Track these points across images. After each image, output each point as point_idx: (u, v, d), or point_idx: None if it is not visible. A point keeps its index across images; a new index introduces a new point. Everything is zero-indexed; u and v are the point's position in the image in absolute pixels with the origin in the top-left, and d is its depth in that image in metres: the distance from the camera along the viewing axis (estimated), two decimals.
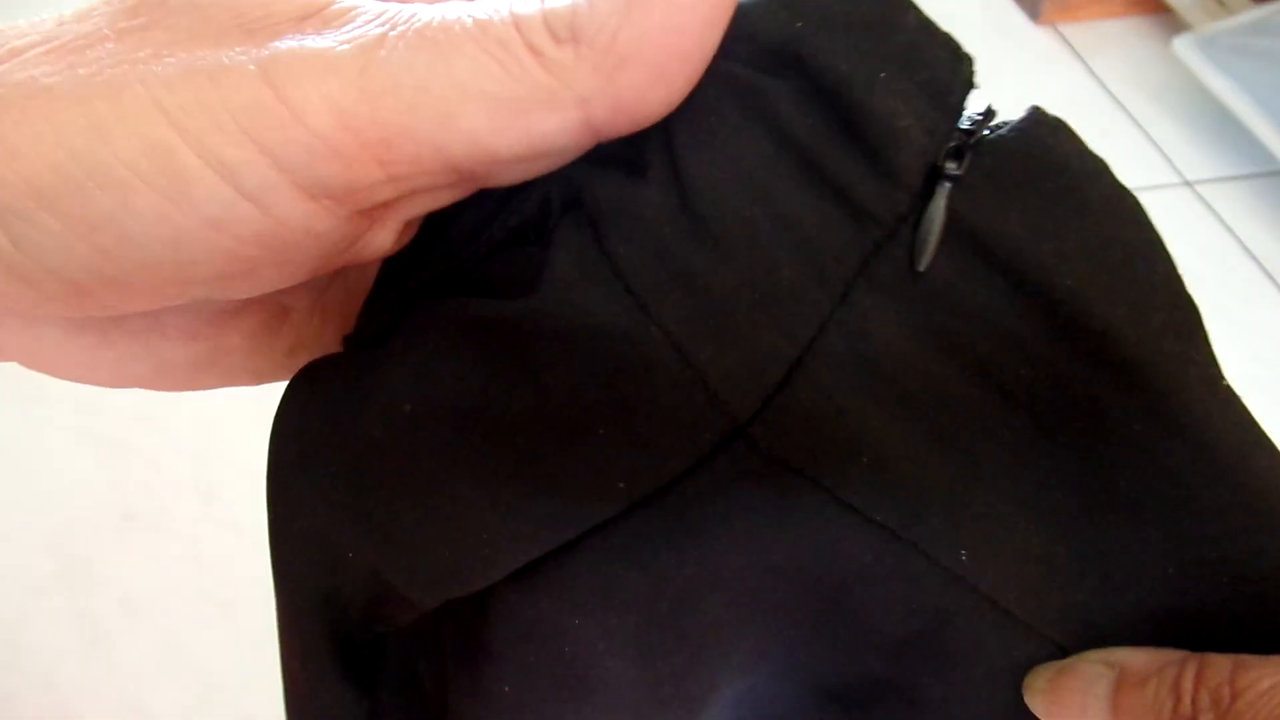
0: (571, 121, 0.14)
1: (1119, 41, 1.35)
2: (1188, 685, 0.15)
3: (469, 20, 0.13)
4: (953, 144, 0.15)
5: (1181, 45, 1.17)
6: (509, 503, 0.16)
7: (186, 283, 0.15)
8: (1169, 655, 0.16)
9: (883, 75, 0.15)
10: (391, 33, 0.13)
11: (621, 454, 0.15)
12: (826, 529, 0.16)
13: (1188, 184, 1.16)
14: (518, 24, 0.13)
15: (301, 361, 0.19)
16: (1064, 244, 0.15)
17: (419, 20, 0.13)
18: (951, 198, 0.15)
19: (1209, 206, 1.14)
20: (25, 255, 0.14)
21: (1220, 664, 0.15)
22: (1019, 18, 1.38)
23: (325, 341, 0.19)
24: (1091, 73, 1.30)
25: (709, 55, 0.14)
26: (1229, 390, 0.16)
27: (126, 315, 0.17)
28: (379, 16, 0.13)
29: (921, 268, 0.15)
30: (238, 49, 0.13)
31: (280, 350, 0.19)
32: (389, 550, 0.18)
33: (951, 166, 0.15)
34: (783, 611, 0.17)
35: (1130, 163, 1.17)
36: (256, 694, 0.74)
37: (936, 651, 0.17)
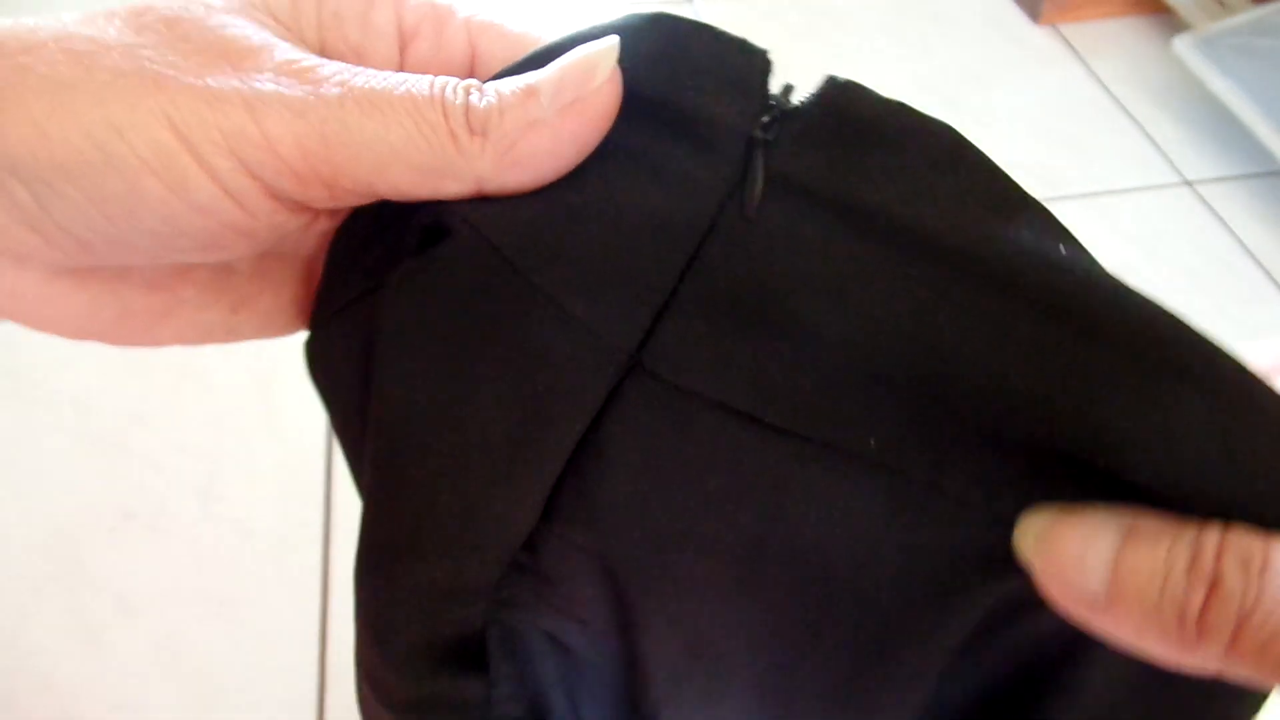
0: (468, 187, 0.19)
1: (1119, 41, 1.35)
2: (1210, 547, 0.15)
3: (409, 97, 0.18)
4: (765, 118, 0.19)
5: (1181, 45, 1.17)
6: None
7: (173, 249, 0.19)
8: (1185, 522, 0.15)
9: (692, 85, 0.19)
10: (349, 97, 0.17)
11: (541, 400, 0.19)
12: (733, 441, 0.18)
13: (1188, 184, 1.16)
14: (446, 112, 0.18)
15: (245, 318, 0.23)
16: (867, 171, 0.19)
17: (371, 86, 0.18)
18: (770, 156, 0.19)
19: (1209, 206, 1.14)
20: (46, 214, 0.17)
21: (1247, 534, 0.15)
22: (1019, 18, 1.39)
23: (264, 300, 0.23)
24: (1091, 73, 1.30)
25: (578, 162, 0.19)
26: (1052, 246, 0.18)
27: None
28: (338, 75, 0.18)
29: (750, 214, 0.19)
30: (229, 81, 0.17)
31: (226, 306, 0.23)
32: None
33: (761, 134, 0.19)
34: (734, 550, 0.18)
35: (1130, 163, 1.17)
36: (256, 694, 0.73)
37: (869, 545, 0.18)
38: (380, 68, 0.19)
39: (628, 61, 0.19)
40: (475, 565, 0.20)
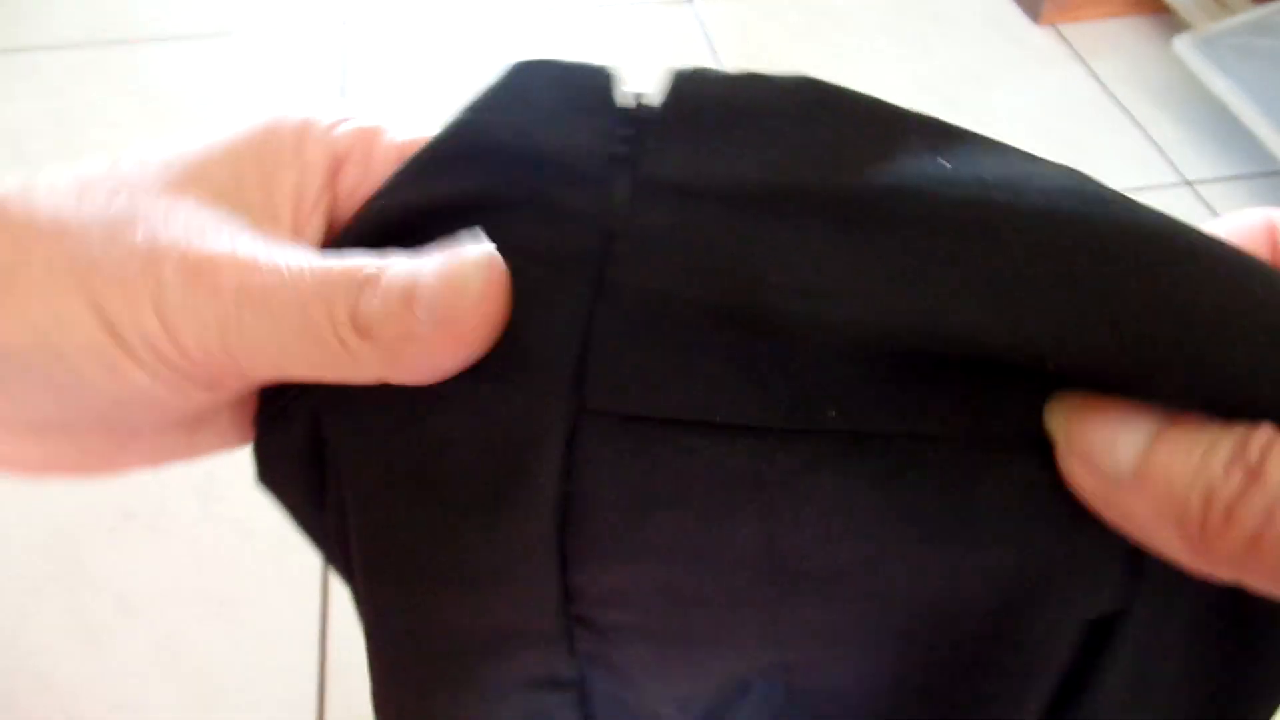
0: (367, 379, 0.18)
1: (1119, 41, 1.35)
2: (1258, 443, 0.14)
3: (297, 299, 0.18)
4: (624, 132, 0.19)
5: (1181, 45, 1.17)
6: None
7: (126, 418, 0.20)
8: (1230, 423, 0.14)
9: (547, 123, 0.19)
10: (243, 297, 0.18)
11: (495, 460, 0.19)
12: (698, 453, 0.18)
13: (1188, 184, 1.16)
14: (331, 316, 0.18)
15: (204, 437, 0.23)
16: (734, 149, 0.18)
17: (265, 284, 0.18)
18: (636, 166, 0.19)
19: (1209, 207, 1.14)
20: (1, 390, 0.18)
21: None
22: (1019, 18, 1.39)
23: (222, 417, 0.23)
24: (1091, 73, 1.30)
25: (469, 361, 0.18)
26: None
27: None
28: (236, 273, 0.18)
29: (619, 229, 0.18)
30: (144, 280, 0.17)
31: (183, 430, 0.22)
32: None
33: (620, 148, 0.19)
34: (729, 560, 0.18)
35: (1130, 163, 1.17)
36: (256, 694, 0.73)
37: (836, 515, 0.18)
38: (313, 202, 0.20)
39: (489, 115, 0.19)
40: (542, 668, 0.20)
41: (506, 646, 0.21)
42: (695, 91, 0.19)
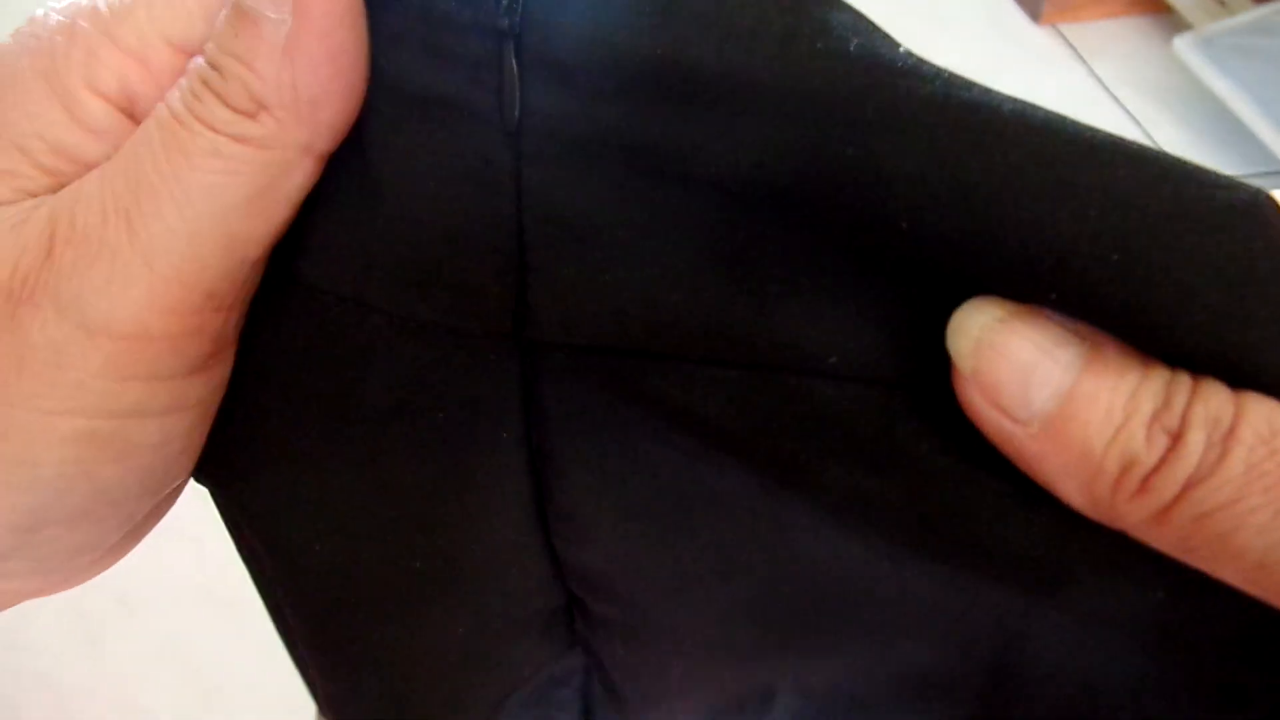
0: (308, 165, 0.15)
1: (1119, 41, 1.35)
2: (1181, 396, 0.13)
3: (167, 145, 0.14)
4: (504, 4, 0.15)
5: (1181, 45, 1.17)
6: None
7: (163, 488, 0.18)
8: (1152, 361, 0.13)
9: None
10: (132, 220, 0.14)
11: (465, 421, 0.17)
12: (672, 386, 0.16)
13: None
14: (209, 123, 0.14)
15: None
16: (632, 21, 0.14)
17: (134, 180, 0.14)
18: (520, 44, 0.15)
19: None
20: (48, 556, 0.17)
21: (1220, 388, 0.13)
22: (1019, 18, 1.38)
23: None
24: (1091, 73, 1.30)
25: (361, 46, 0.15)
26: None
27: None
28: (104, 207, 0.14)
29: (511, 126, 0.15)
30: (42, 324, 0.14)
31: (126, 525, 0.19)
32: None
33: (504, 24, 0.15)
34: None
35: None
36: (256, 694, 0.73)
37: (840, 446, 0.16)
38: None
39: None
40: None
41: (498, 645, 0.20)
42: None
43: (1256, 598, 0.13)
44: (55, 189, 0.15)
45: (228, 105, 0.14)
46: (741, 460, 0.16)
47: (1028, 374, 0.13)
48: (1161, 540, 0.13)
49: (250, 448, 0.19)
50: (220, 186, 0.14)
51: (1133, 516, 0.13)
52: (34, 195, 0.15)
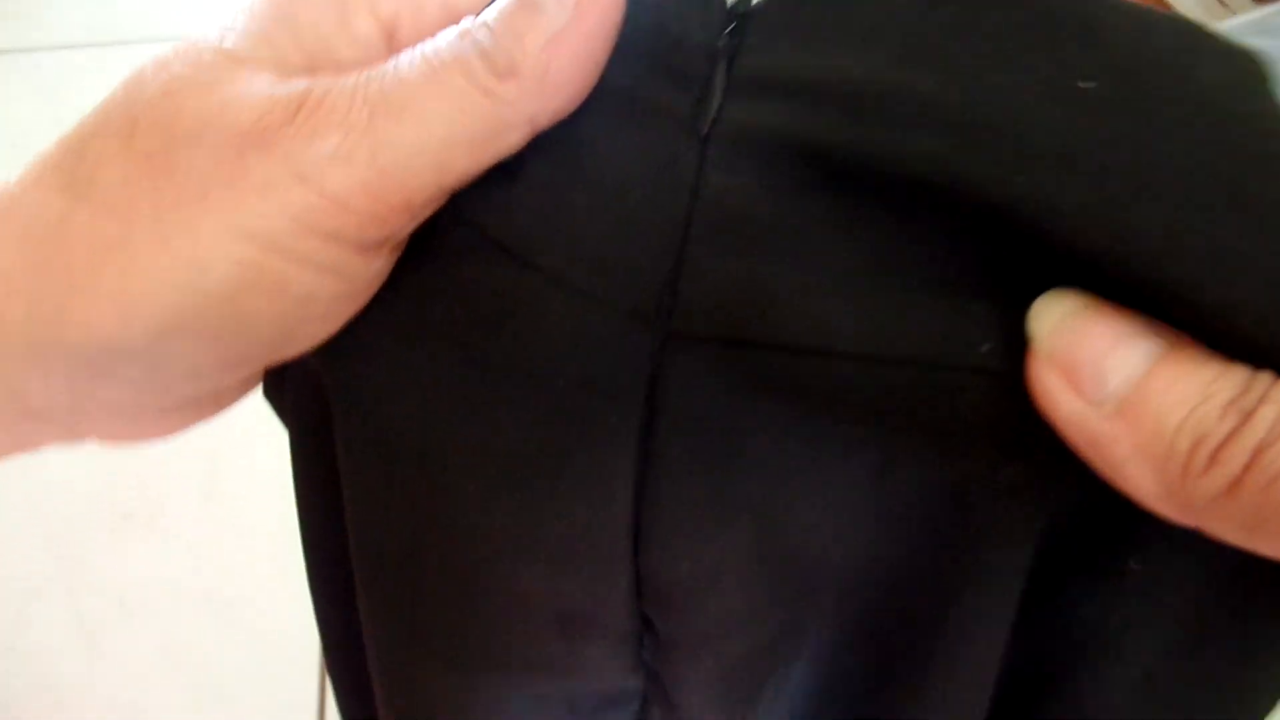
0: (525, 132, 0.17)
1: None
2: (1260, 386, 0.13)
3: (427, 79, 0.17)
4: (729, 28, 0.18)
5: None
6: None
7: (282, 347, 0.19)
8: (1233, 362, 0.13)
9: (667, 11, 0.18)
10: (375, 114, 0.16)
11: (582, 396, 0.17)
12: (810, 380, 0.16)
13: None
14: (467, 74, 0.16)
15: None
16: (824, 49, 0.17)
17: (386, 89, 0.17)
18: (734, 63, 0.17)
19: None
20: (154, 378, 0.18)
21: None
22: None
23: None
24: None
25: (608, 52, 0.17)
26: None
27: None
28: (354, 97, 0.17)
29: (704, 131, 0.17)
30: (267, 165, 0.16)
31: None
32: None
33: (723, 46, 0.17)
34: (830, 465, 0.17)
35: None
36: (256, 694, 0.73)
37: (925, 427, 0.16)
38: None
39: None
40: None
41: (569, 635, 0.20)
42: None
43: None
44: (306, 75, 0.18)
45: (489, 64, 0.16)
46: (867, 460, 0.16)
47: (1106, 355, 0.13)
48: (1231, 518, 0.13)
49: (373, 354, 0.20)
50: (455, 122, 0.16)
51: (1202, 494, 0.13)
52: (290, 75, 0.18)
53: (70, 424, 0.19)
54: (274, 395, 0.23)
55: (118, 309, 0.16)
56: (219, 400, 0.21)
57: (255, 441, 0.85)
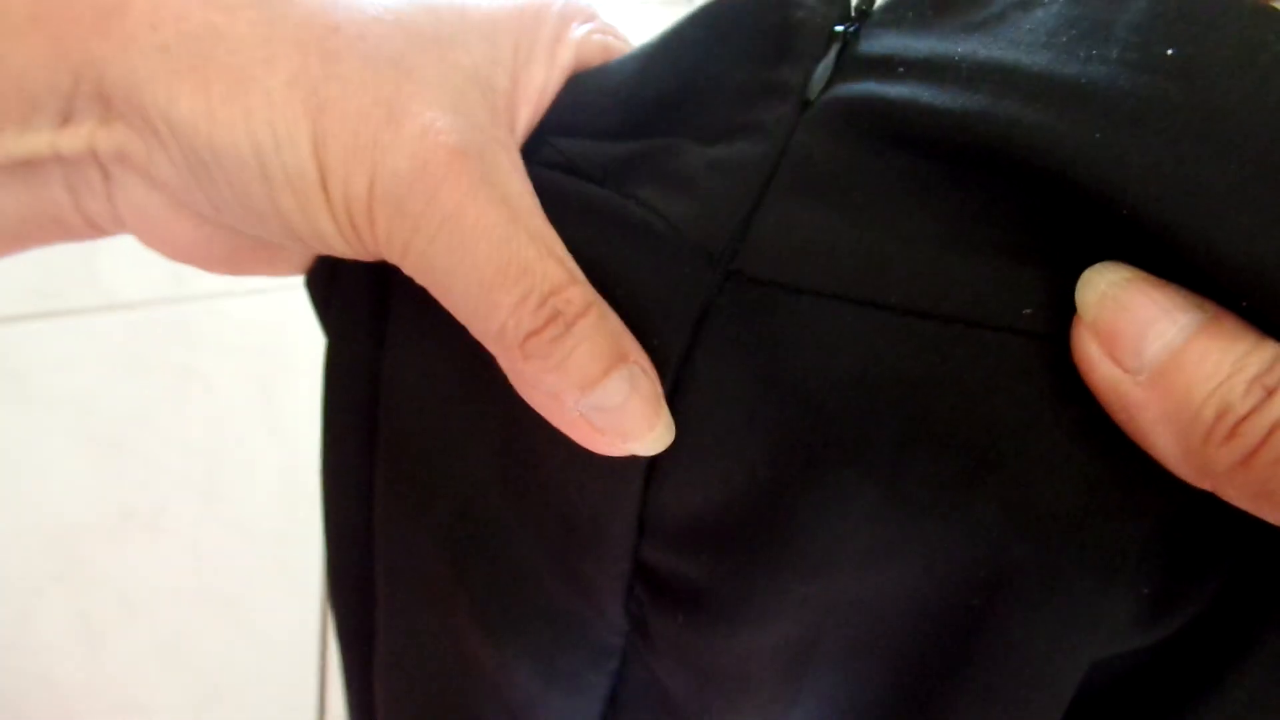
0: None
1: None
2: None
3: (499, 269, 0.17)
4: (852, 20, 0.19)
5: None
6: None
7: (293, 241, 0.20)
8: (1270, 339, 0.14)
9: (772, 9, 0.19)
10: (448, 231, 0.17)
11: (640, 310, 0.18)
12: (859, 331, 0.16)
13: None
14: (511, 313, 0.17)
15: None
16: (926, 37, 0.18)
17: (477, 233, 0.17)
18: (850, 46, 0.18)
19: None
20: (190, 175, 0.18)
21: None
22: None
23: None
24: None
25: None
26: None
27: None
28: (457, 200, 0.17)
29: (812, 96, 0.18)
30: (371, 149, 0.17)
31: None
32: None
33: (839, 30, 0.19)
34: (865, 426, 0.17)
35: None
36: (256, 694, 0.73)
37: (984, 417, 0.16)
38: (538, 104, 0.20)
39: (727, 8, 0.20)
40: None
41: (568, 548, 0.20)
42: None
43: None
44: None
45: (530, 317, 0.17)
46: (897, 413, 0.17)
47: (1145, 327, 0.14)
48: (1243, 487, 0.14)
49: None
50: (478, 297, 0.17)
51: (1219, 463, 0.14)
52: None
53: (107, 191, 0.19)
54: (317, 287, 0.23)
55: (205, 111, 0.17)
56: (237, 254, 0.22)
57: (255, 441, 0.85)
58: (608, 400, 0.17)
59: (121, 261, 0.91)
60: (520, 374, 0.18)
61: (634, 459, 0.18)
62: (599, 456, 0.18)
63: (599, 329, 0.17)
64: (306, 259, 0.23)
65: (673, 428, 0.18)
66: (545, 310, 0.17)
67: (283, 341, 0.89)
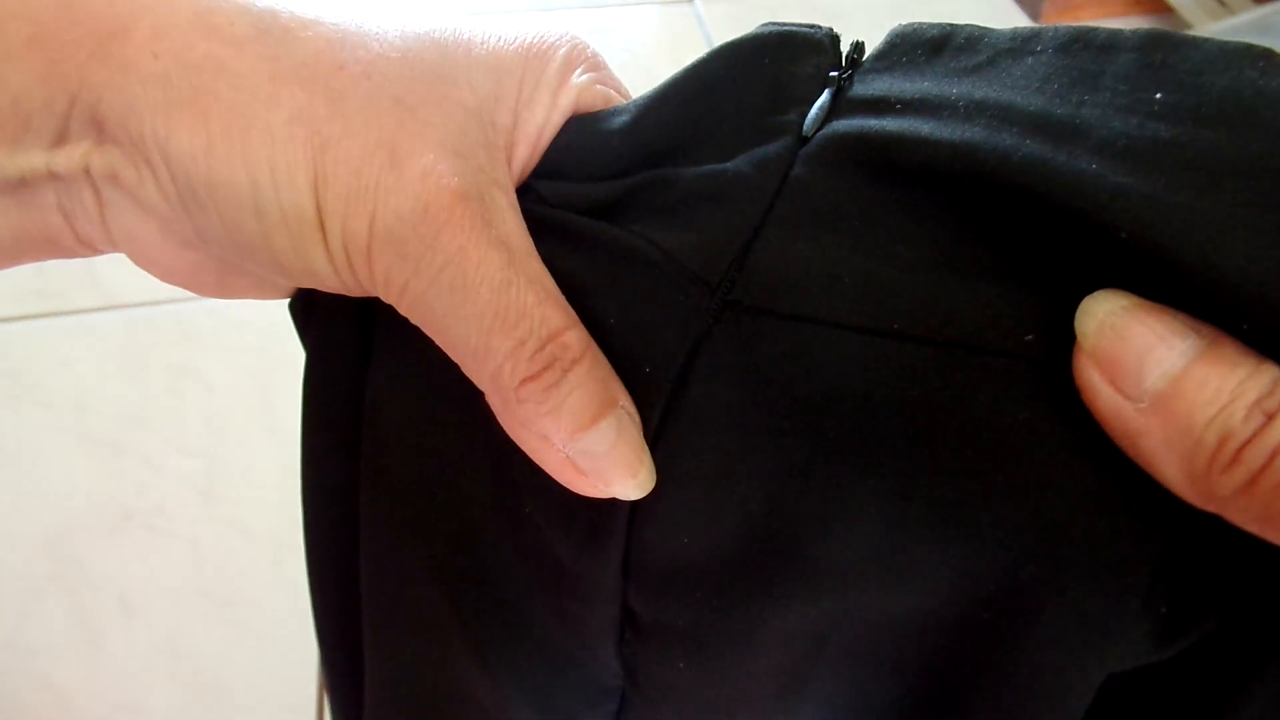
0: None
1: None
2: None
3: (499, 318, 0.17)
4: (844, 68, 0.20)
5: None
6: None
7: (281, 280, 0.20)
8: (1270, 361, 0.14)
9: (784, 58, 0.20)
10: (447, 277, 0.17)
11: (635, 338, 0.18)
12: (858, 358, 0.17)
13: None
14: (506, 361, 0.17)
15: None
16: (940, 71, 0.18)
17: (477, 281, 0.17)
18: (843, 90, 0.19)
19: None
20: (181, 205, 0.18)
21: None
22: (1019, 18, 1.38)
23: None
24: None
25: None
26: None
27: None
28: (457, 247, 0.18)
29: (806, 131, 0.19)
30: (372, 190, 0.17)
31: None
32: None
33: (833, 75, 0.19)
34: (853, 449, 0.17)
35: None
36: (256, 694, 0.73)
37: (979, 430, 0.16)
38: (536, 144, 0.20)
39: (721, 63, 0.20)
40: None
41: (558, 587, 0.20)
42: (908, 31, 0.19)
43: None
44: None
45: (525, 365, 0.17)
46: (902, 437, 0.17)
47: (1145, 355, 0.14)
48: (1247, 510, 0.14)
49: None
50: (475, 345, 0.17)
51: (1223, 488, 0.14)
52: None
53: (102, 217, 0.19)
54: (298, 307, 0.24)
55: (204, 144, 0.17)
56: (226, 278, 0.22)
57: (254, 442, 0.85)
58: (595, 446, 0.17)
59: (121, 261, 0.90)
60: (512, 416, 0.18)
61: (618, 502, 0.18)
62: (584, 497, 0.18)
63: (592, 374, 0.17)
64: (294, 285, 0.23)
65: (654, 474, 0.18)
66: (543, 356, 0.17)
67: (282, 342, 0.89)
